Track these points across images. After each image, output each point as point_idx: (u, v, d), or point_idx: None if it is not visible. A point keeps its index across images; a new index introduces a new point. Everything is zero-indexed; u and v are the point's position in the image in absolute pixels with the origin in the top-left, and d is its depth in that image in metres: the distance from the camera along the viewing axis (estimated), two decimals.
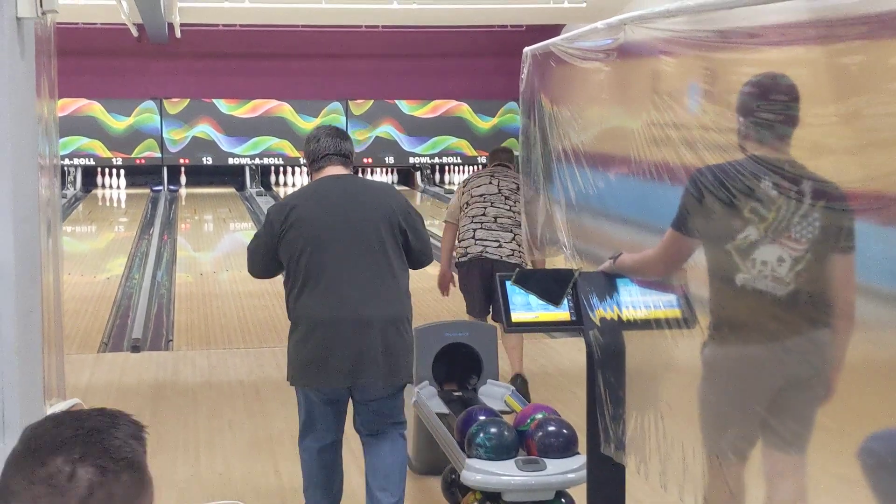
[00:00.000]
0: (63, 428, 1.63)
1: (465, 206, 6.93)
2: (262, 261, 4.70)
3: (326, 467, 4.74)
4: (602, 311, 3.70)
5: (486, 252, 6.78)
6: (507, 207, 6.83)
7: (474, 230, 6.83)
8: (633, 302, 3.65)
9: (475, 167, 21.79)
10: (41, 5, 2.02)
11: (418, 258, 4.72)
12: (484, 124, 21.87)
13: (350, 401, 4.73)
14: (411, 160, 21.79)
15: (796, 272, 3.30)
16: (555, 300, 3.82)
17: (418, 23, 18.54)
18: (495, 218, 6.81)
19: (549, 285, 3.84)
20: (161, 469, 5.79)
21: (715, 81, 3.25)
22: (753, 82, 3.21)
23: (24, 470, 1.61)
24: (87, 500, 1.58)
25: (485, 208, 6.84)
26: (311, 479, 4.77)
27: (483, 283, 6.81)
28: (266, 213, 4.78)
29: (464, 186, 7.06)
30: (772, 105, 3.15)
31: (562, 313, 3.90)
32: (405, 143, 21.70)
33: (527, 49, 4.41)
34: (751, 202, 3.27)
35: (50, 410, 2.85)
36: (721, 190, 3.29)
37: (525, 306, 3.95)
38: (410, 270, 4.70)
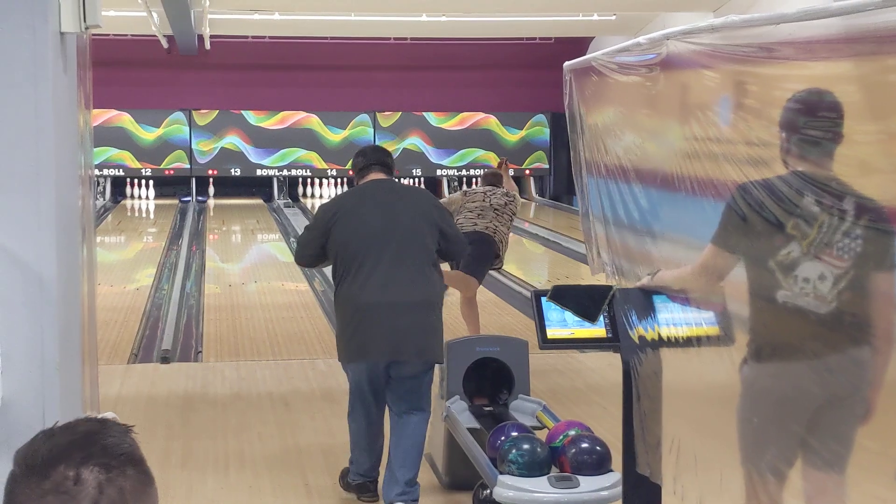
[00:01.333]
0: (56, 439, 1.65)
1: (459, 212, 8.38)
2: (310, 251, 5.36)
3: (370, 435, 5.35)
4: (640, 329, 3.66)
5: (463, 227, 8.15)
6: (494, 215, 8.37)
7: (457, 220, 8.22)
8: (671, 319, 3.61)
9: None
10: (84, 20, 2.01)
11: (454, 249, 5.41)
12: (512, 137, 21.84)
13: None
14: (439, 172, 21.79)
15: (838, 290, 3.25)
16: (591, 317, 3.79)
17: (447, 35, 18.56)
18: (478, 214, 8.35)
19: (585, 302, 3.81)
20: (191, 480, 5.78)
21: (759, 97, 3.21)
22: (798, 98, 3.17)
23: (29, 487, 1.61)
24: (98, 500, 1.59)
25: (472, 211, 8.37)
26: (357, 443, 5.38)
27: None
28: (317, 209, 5.57)
29: (464, 195, 8.63)
30: (817, 122, 3.11)
31: (598, 330, 3.86)
32: (433, 155, 21.69)
33: (567, 64, 4.38)
34: (793, 218, 3.23)
35: None
36: (764, 205, 3.25)
37: (560, 322, 3.91)
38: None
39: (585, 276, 5.80)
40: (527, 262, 14.54)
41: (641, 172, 3.64)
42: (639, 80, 3.60)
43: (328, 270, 5.76)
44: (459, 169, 21.89)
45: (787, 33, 2.79)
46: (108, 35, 17.99)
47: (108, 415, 3.53)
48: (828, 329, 3.31)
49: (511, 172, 10.00)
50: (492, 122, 21.82)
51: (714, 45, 3.16)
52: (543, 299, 3.93)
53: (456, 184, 21.97)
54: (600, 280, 4.29)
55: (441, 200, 8.86)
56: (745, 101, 3.21)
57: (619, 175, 3.75)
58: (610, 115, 3.89)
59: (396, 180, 5.60)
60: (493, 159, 21.92)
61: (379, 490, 5.41)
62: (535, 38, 20.00)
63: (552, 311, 3.91)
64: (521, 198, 21.55)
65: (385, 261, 5.12)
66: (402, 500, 5.20)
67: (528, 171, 22.11)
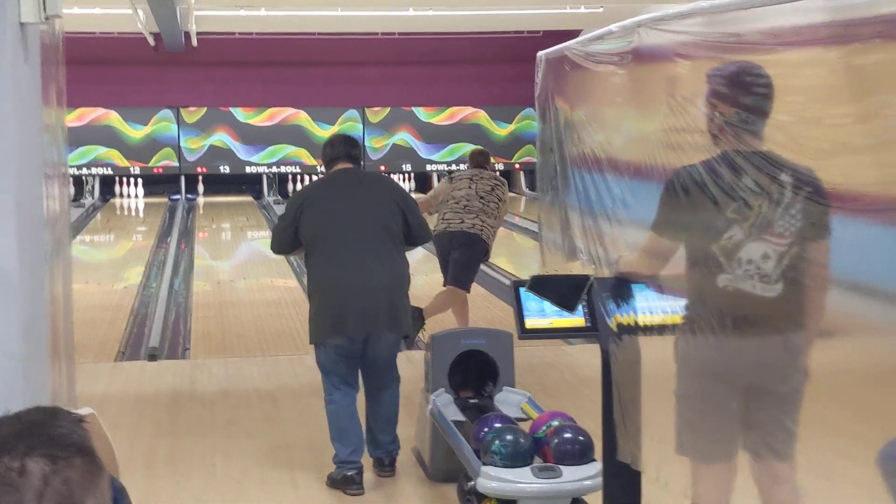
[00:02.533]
0: (1, 429, 1.62)
1: (446, 202, 8.25)
2: (283, 238, 5.67)
3: (349, 416, 5.56)
4: (618, 317, 3.66)
5: (449, 227, 8.15)
6: (481, 206, 8.14)
7: (444, 213, 8.25)
8: (649, 307, 3.60)
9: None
10: (44, 10, 2.00)
11: (417, 235, 5.65)
12: (501, 131, 21.82)
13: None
14: (428, 167, 21.77)
15: (782, 268, 3.23)
16: (569, 306, 3.79)
17: (434, 29, 18.53)
18: (464, 207, 8.15)
19: (564, 291, 3.80)
20: (178, 476, 5.77)
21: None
22: (731, 74, 3.13)
23: None
24: (43, 491, 1.57)
25: (458, 201, 8.21)
26: (338, 427, 5.58)
27: (444, 252, 8.27)
28: (288, 198, 5.92)
29: (450, 182, 8.41)
30: (756, 98, 3.08)
31: (576, 319, 3.86)
32: (422, 150, 21.67)
33: (541, 53, 4.38)
34: (733, 201, 3.21)
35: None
36: (701, 191, 3.23)
37: (539, 312, 3.91)
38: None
39: (575, 271, 5.81)
40: (517, 256, 14.53)
41: (615, 162, 3.63)
42: (612, 69, 3.59)
43: None
44: (449, 164, 21.86)
45: (758, 19, 2.78)
46: (94, 33, 17.95)
47: (86, 410, 3.52)
48: (765, 313, 3.28)
49: None
50: (481, 116, 21.80)
51: (686, 32, 3.14)
52: (522, 289, 3.93)
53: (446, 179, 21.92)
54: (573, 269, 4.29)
55: (429, 193, 8.85)
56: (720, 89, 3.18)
57: (594, 164, 3.74)
58: (584, 104, 3.88)
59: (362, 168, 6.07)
60: None
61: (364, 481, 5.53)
62: (522, 32, 19.97)
63: (531, 301, 3.91)
64: (511, 192, 21.57)
65: (353, 244, 5.44)
66: (387, 456, 5.66)
67: (517, 166, 22.09)
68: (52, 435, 1.60)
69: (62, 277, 3.15)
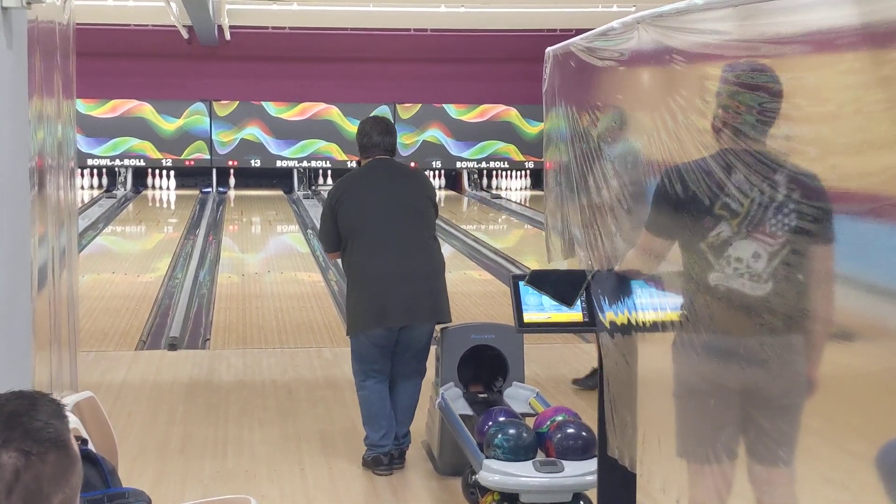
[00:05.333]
0: None
1: None
2: (329, 239, 5.74)
3: (381, 403, 5.69)
4: (612, 314, 3.65)
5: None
6: None
7: None
8: (646, 304, 3.58)
9: (522, 172, 21.87)
10: None
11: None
12: (532, 129, 21.79)
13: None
14: (458, 164, 21.79)
15: (773, 267, 3.18)
16: (568, 301, 3.80)
17: (466, 26, 18.56)
18: None
19: (563, 286, 3.81)
20: (187, 464, 5.82)
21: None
22: (736, 72, 3.10)
23: None
24: (13, 485, 1.59)
25: None
26: (369, 412, 5.70)
27: None
28: (326, 196, 5.95)
29: None
30: (755, 97, 3.04)
31: (574, 314, 3.87)
32: (452, 147, 21.69)
33: (549, 49, 4.39)
34: (721, 198, 3.17)
35: None
36: (690, 187, 3.20)
37: (538, 307, 3.92)
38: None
39: (575, 266, 5.79)
40: (544, 254, 14.50)
41: (614, 158, 3.63)
42: (613, 66, 3.59)
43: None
44: (479, 161, 21.88)
45: (767, 13, 2.74)
46: (128, 25, 18.11)
47: (85, 394, 3.56)
48: (760, 312, 3.23)
49: None
50: (512, 114, 21.80)
51: (686, 28, 3.12)
52: (521, 283, 3.94)
53: (476, 176, 21.96)
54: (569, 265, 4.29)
55: None
56: (713, 87, 3.15)
57: (595, 160, 3.74)
58: (587, 102, 3.87)
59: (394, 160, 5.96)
60: (513, 152, 21.95)
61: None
62: (555, 31, 19.94)
63: (529, 295, 3.92)
64: (540, 191, 21.53)
65: (391, 234, 5.57)
66: (396, 449, 5.73)
67: (549, 164, 22.04)
68: (28, 429, 1.62)
69: (67, 267, 3.18)
